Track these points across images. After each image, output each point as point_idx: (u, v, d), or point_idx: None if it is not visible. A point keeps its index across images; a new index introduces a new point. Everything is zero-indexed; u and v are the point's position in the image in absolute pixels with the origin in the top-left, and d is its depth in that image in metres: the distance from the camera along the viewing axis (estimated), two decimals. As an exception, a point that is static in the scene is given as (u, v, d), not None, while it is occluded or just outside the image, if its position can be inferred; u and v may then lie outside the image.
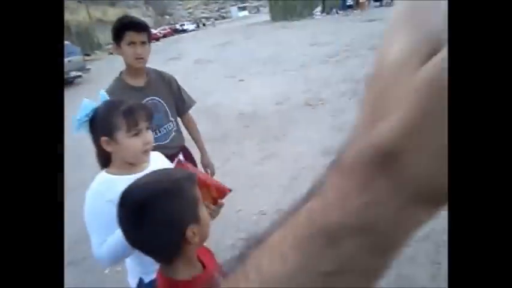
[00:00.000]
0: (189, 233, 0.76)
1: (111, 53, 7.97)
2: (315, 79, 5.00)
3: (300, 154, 3.35)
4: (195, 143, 2.05)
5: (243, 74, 5.64)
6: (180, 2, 68.93)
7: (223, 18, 57.99)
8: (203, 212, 0.82)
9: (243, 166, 2.89)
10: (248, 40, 7.53)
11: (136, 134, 1.07)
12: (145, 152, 1.11)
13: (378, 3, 21.21)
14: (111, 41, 1.72)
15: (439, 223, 1.88)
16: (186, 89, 2.01)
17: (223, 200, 1.20)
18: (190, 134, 2.03)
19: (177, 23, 45.47)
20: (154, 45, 1.81)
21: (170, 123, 1.85)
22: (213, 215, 1.12)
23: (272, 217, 1.91)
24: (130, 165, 1.10)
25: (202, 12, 66.21)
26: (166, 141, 1.80)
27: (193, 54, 6.75)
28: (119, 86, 1.68)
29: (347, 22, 7.42)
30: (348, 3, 21.29)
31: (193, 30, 38.70)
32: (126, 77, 1.71)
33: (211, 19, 53.24)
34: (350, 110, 4.02)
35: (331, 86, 4.71)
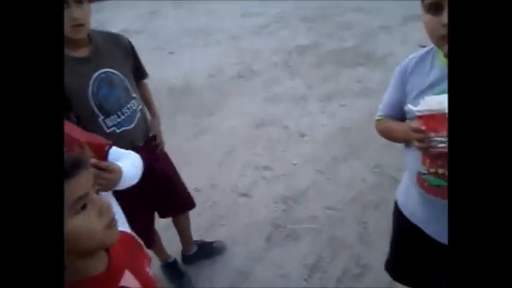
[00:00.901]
0: None
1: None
2: (247, 51, 4.95)
3: (233, 127, 3.33)
4: (148, 108, 1.71)
5: (173, 46, 5.37)
6: (100, -34, 62.88)
7: (150, -15, 54.34)
8: (69, 223, 0.62)
9: (175, 142, 2.79)
10: (177, 10, 7.15)
11: None
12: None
13: (307, -25, 21.43)
14: None
15: (365, 185, 2.00)
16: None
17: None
18: (145, 105, 1.69)
19: (97, -10, 41.58)
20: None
21: (133, 102, 1.47)
22: (101, 183, 0.86)
23: (207, 193, 1.90)
24: None
25: (126, -21, 61.17)
26: (132, 126, 1.47)
27: (117, 24, 6.23)
28: None
29: (277, -7, 7.40)
30: (278, -26, 21.20)
31: (117, -2, 35.79)
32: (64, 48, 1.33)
33: (136, -14, 49.47)
34: (282, 82, 4.07)
35: (263, 57, 4.70)
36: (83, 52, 1.34)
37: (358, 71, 4.05)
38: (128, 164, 1.03)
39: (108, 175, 0.91)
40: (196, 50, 5.23)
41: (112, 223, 0.67)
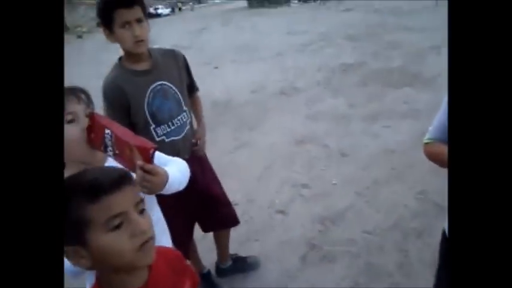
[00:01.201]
0: (68, 251, 0.62)
1: (80, 37, 7.61)
2: (290, 68, 4.98)
3: (273, 143, 3.34)
4: (195, 117, 1.74)
5: (219, 61, 5.54)
6: (155, -15, 66.77)
7: (199, 2, 56.70)
8: (101, 238, 0.61)
9: (215, 155, 2.84)
10: (225, 27, 7.39)
11: (71, 121, 0.90)
12: (90, 147, 0.92)
13: (354, -6, 21.35)
14: (98, 25, 1.43)
15: (407, 211, 1.90)
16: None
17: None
18: (194, 115, 1.73)
19: (150, 7, 44.07)
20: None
21: (184, 114, 1.55)
22: (144, 184, 0.88)
23: (243, 207, 1.89)
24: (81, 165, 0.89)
25: (178, -4, 64.38)
26: (180, 136, 1.54)
27: (169, 39, 6.55)
28: (121, 73, 1.43)
29: (323, 11, 7.40)
30: (325, -8, 21.31)
31: (168, 14, 37.64)
32: (126, 63, 1.44)
33: (189, 3, 51.92)
34: (324, 100, 4.04)
35: (306, 75, 4.71)
36: (143, 66, 1.45)
37: (404, 92, 3.93)
38: (175, 170, 1.04)
39: (152, 177, 0.91)
40: (241, 66, 5.35)
41: (146, 245, 0.65)
